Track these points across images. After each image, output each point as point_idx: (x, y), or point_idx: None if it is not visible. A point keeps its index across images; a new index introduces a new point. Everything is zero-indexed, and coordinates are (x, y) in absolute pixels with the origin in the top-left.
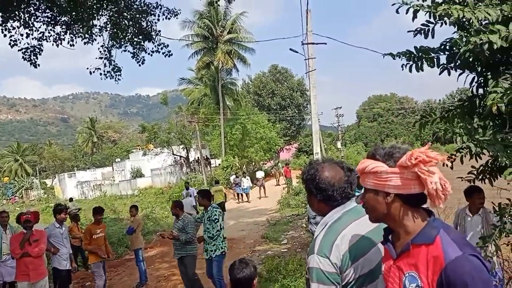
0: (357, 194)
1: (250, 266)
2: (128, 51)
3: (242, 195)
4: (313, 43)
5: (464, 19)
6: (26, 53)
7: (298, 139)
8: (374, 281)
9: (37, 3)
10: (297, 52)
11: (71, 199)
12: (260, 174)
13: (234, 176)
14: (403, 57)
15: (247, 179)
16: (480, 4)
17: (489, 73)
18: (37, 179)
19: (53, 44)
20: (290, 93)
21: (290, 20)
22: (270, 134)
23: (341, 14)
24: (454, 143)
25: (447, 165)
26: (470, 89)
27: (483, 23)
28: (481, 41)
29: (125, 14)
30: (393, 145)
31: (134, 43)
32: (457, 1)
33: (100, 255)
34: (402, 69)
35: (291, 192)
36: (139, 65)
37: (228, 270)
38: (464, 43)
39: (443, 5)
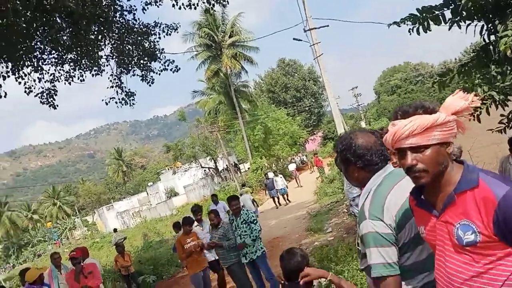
0: None
1: (297, 255)
2: (137, 74)
3: (278, 198)
4: (315, 28)
5: None
6: (42, 97)
7: (320, 128)
8: None
9: (42, 46)
10: (300, 40)
11: (115, 230)
12: (292, 167)
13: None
14: (408, 21)
15: (281, 177)
16: None
17: (496, 19)
18: (78, 218)
19: (65, 83)
20: (303, 83)
21: (289, 12)
22: (292, 128)
23: None
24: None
25: (474, 119)
26: (482, 38)
27: None
28: None
29: (127, 39)
30: (417, 101)
31: (141, 65)
32: None
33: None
34: (410, 34)
35: (325, 181)
36: (149, 85)
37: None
38: None
39: None
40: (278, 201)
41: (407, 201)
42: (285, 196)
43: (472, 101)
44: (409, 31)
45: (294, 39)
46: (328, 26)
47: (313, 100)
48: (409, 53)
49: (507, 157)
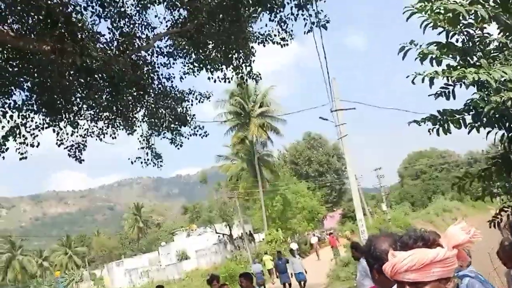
0: None
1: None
2: (167, 137)
3: (290, 284)
4: (341, 109)
5: (480, 81)
6: (71, 150)
7: (341, 205)
8: None
9: (80, 103)
10: (327, 119)
11: None
12: (314, 240)
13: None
14: (428, 122)
15: (299, 258)
16: (496, 62)
17: None
18: (86, 270)
19: (96, 139)
20: (327, 158)
21: (319, 86)
22: (311, 203)
23: (368, 76)
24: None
25: (494, 227)
26: (502, 146)
27: (503, 80)
28: (502, 99)
29: (161, 103)
30: (416, 230)
31: (172, 129)
32: (472, 62)
33: None
34: (430, 134)
35: (339, 264)
36: (178, 148)
37: None
38: (485, 103)
39: (458, 69)
40: None
41: None
42: (303, 283)
43: (474, 235)
44: (429, 131)
45: (320, 118)
46: (354, 108)
47: (335, 176)
48: (436, 139)
49: (509, 270)
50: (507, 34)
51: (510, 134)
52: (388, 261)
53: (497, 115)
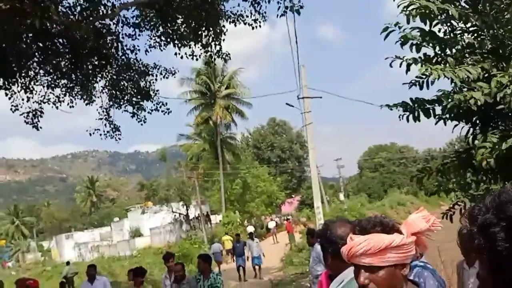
0: None
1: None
2: (128, 111)
3: (244, 269)
4: (308, 97)
5: (446, 79)
6: (28, 117)
7: (299, 192)
8: None
9: (37, 67)
10: (293, 106)
11: (68, 263)
12: (272, 224)
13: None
14: (400, 108)
15: (257, 242)
16: (465, 60)
17: (480, 126)
18: (34, 241)
19: (52, 107)
20: (290, 145)
21: (287, 73)
22: (271, 188)
23: (336, 69)
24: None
25: (447, 218)
26: (466, 141)
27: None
28: (464, 98)
29: (124, 75)
30: (377, 216)
31: (133, 103)
32: (451, 54)
33: None
34: (400, 119)
35: (294, 249)
36: (141, 124)
37: None
38: (449, 100)
39: (423, 66)
40: (244, 273)
41: None
42: (258, 267)
43: (434, 224)
44: (399, 117)
45: (287, 104)
46: (321, 97)
47: (297, 164)
48: (396, 134)
49: (462, 261)
50: (475, 35)
51: (475, 130)
52: (342, 246)
53: (461, 111)
